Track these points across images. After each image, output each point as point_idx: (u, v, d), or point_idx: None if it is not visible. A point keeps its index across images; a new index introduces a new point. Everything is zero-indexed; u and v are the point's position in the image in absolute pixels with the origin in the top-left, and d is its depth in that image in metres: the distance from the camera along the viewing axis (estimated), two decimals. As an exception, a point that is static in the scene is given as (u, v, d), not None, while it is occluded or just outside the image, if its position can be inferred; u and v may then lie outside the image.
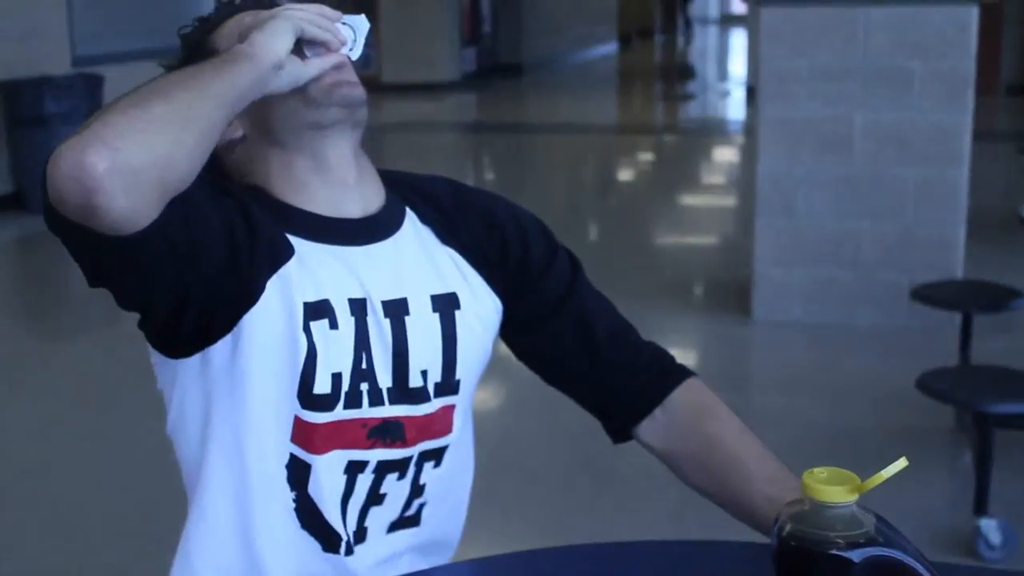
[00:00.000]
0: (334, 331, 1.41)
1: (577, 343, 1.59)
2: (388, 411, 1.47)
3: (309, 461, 1.43)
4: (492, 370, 1.66)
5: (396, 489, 1.50)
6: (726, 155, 12.50)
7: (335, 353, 1.42)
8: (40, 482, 4.15)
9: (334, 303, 1.42)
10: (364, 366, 1.44)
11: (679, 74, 21.92)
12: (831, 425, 4.46)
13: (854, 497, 0.98)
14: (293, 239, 1.42)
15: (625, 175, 11.82)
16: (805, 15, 5.51)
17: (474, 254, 1.56)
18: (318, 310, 1.40)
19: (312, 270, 1.41)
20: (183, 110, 1.24)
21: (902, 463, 0.99)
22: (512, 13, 19.98)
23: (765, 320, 5.76)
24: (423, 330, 1.49)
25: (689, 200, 10.06)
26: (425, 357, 1.50)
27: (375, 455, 1.47)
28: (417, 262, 1.51)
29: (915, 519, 3.56)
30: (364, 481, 1.47)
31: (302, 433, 1.43)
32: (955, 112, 5.45)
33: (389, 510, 1.51)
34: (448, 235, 1.56)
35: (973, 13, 5.36)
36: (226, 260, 1.35)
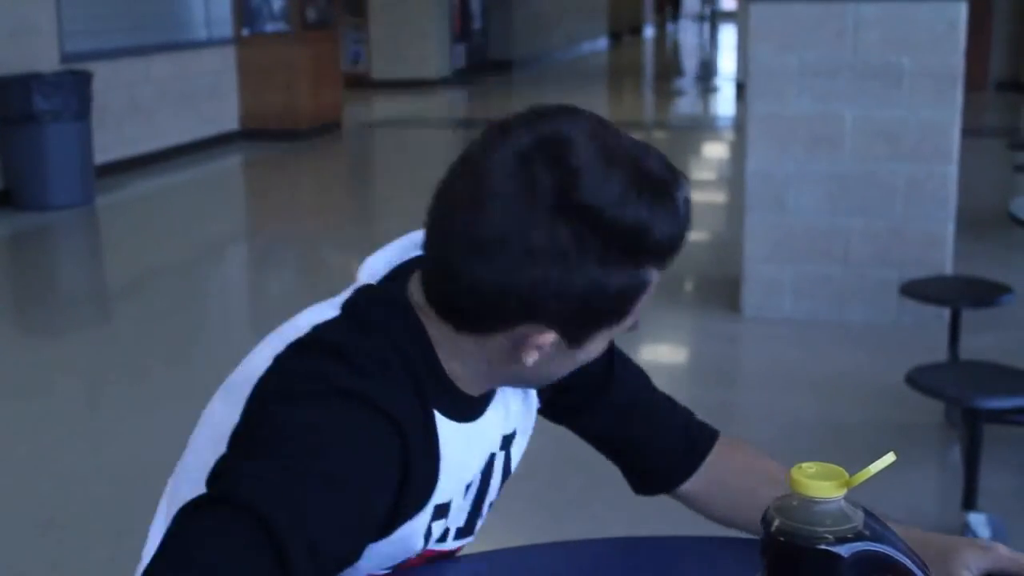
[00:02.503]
0: (444, 520, 1.37)
1: (612, 428, 1.57)
2: (450, 545, 1.45)
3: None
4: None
5: None
6: (716, 151, 12.51)
7: (436, 537, 1.38)
8: (28, 479, 4.14)
9: (454, 498, 1.36)
10: (448, 534, 1.42)
11: (669, 70, 21.92)
12: (820, 420, 4.47)
13: (842, 492, 0.98)
14: (440, 419, 1.30)
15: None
16: (794, 11, 5.52)
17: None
18: (442, 510, 1.35)
19: (449, 469, 1.31)
20: None
21: (890, 458, 1.00)
22: (502, 10, 19.98)
23: (755, 316, 5.77)
24: (496, 474, 1.46)
25: (679, 196, 10.05)
26: (492, 496, 1.48)
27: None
28: (505, 410, 1.44)
29: (904, 514, 3.57)
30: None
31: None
32: (944, 108, 5.46)
33: None
34: None
35: (962, 9, 5.37)
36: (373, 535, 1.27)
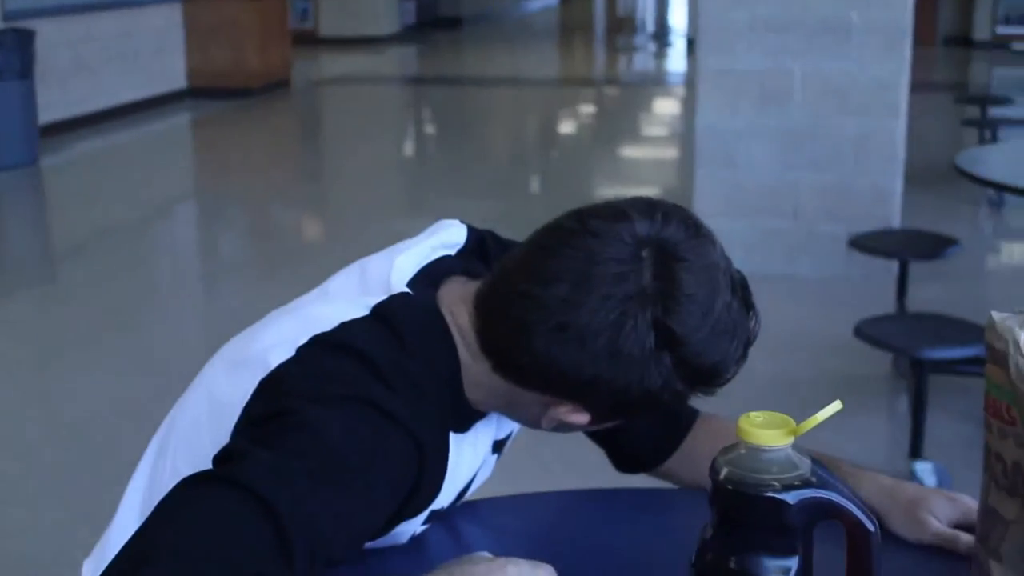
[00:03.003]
0: (434, 523, 1.40)
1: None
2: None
3: None
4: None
5: None
6: (667, 107, 12.52)
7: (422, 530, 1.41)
8: (-21, 443, 4.10)
9: (447, 503, 1.38)
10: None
11: (621, 26, 21.87)
12: (771, 374, 4.51)
13: (789, 440, 0.99)
14: (451, 436, 1.30)
15: (566, 127, 11.80)
16: (744, -34, 5.52)
17: None
18: (435, 514, 1.37)
19: (448, 482, 1.32)
20: None
21: (836, 406, 1.01)
22: (452, -35, 19.83)
23: (706, 271, 5.79)
24: (483, 473, 1.46)
25: (630, 152, 10.08)
26: (475, 485, 1.48)
27: None
28: (499, 416, 1.43)
29: (852, 462, 3.62)
30: None
31: None
32: (893, 63, 5.49)
33: None
34: None
35: (910, -37, 5.39)
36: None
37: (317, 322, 1.26)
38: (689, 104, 10.42)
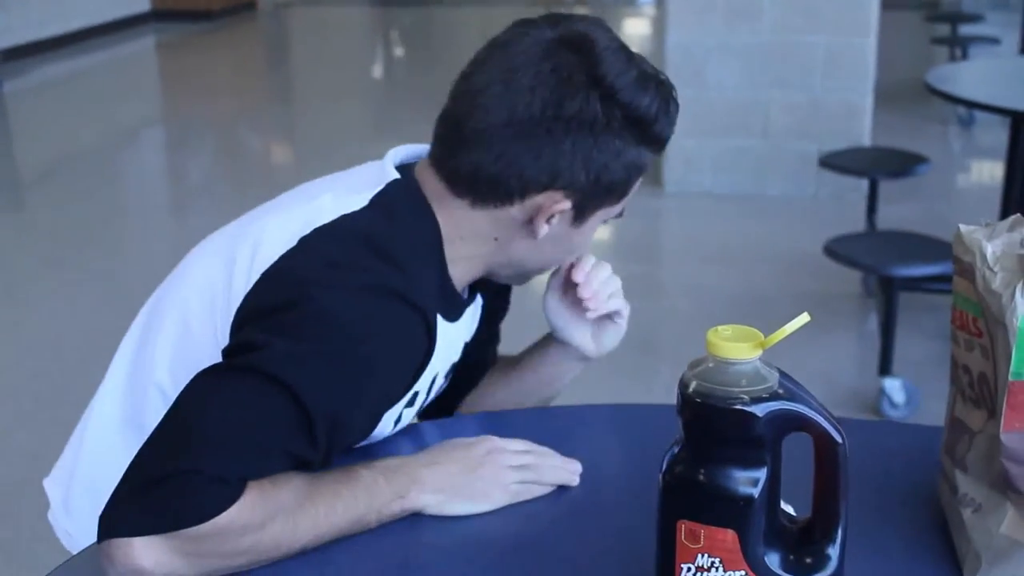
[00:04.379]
0: (411, 409, 1.42)
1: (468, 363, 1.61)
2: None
3: None
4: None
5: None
6: (637, 27, 12.43)
7: (404, 422, 1.44)
8: (-52, 370, 4.09)
9: (422, 390, 1.40)
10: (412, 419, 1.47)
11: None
12: (741, 293, 4.53)
13: (757, 353, 0.99)
14: (438, 318, 1.34)
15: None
16: None
17: (489, 290, 1.53)
18: (412, 399, 1.39)
19: (431, 363, 1.36)
20: (303, 544, 1.21)
21: (804, 318, 1.01)
22: None
23: (676, 191, 5.80)
24: (449, 375, 1.52)
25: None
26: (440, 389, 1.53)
27: None
28: (470, 321, 1.49)
29: (822, 380, 3.65)
30: None
31: None
32: (863, -21, 5.46)
33: None
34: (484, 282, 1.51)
35: None
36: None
37: (317, 214, 1.31)
38: (659, 23, 10.34)
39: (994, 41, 8.00)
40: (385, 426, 1.38)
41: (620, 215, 1.41)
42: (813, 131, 5.64)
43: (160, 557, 1.11)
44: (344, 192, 1.34)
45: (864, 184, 5.00)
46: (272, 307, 1.24)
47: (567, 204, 1.32)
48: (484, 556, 1.23)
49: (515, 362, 1.64)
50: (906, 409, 3.54)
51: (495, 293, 1.55)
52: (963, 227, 1.20)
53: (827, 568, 1.02)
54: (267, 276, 1.27)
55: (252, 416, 1.17)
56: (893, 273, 3.58)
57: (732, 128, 5.74)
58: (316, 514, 1.19)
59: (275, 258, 1.27)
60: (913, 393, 3.57)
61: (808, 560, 1.02)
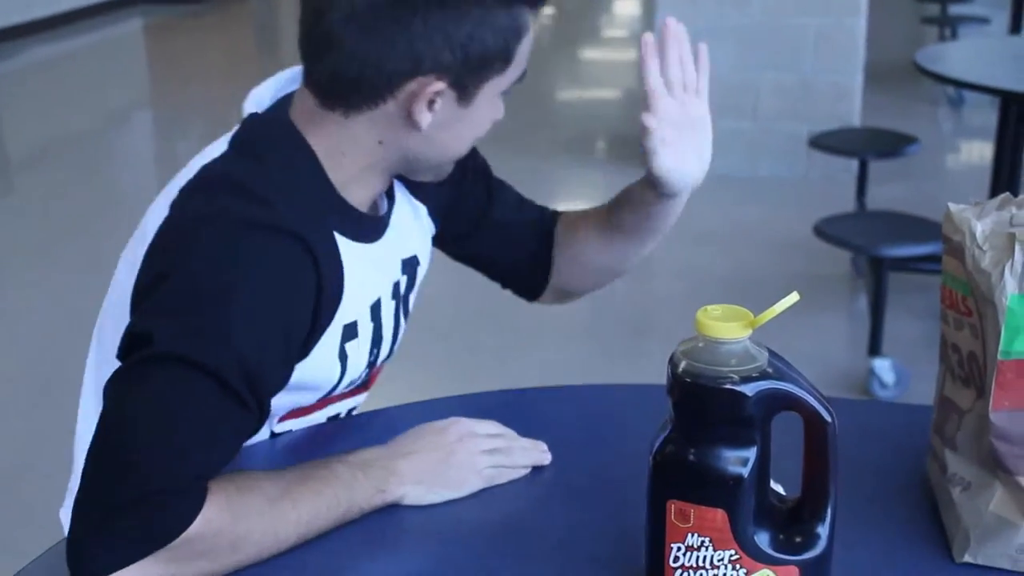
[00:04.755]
0: (356, 341, 1.38)
1: (500, 248, 1.60)
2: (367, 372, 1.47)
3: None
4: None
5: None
6: (627, 8, 12.39)
7: (357, 363, 1.40)
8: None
9: (360, 318, 1.37)
10: (371, 359, 1.43)
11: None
12: (732, 274, 4.54)
13: (747, 333, 0.99)
14: (339, 238, 1.30)
15: (526, 30, 11.66)
16: None
17: (423, 192, 1.50)
18: (350, 330, 1.36)
19: (352, 288, 1.32)
20: (281, 544, 1.19)
21: (794, 297, 1.01)
22: None
23: (667, 172, 5.78)
24: (403, 298, 1.48)
25: (590, 54, 10.00)
26: (400, 320, 1.49)
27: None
28: (400, 234, 1.45)
29: (812, 361, 3.66)
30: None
31: (294, 413, 1.44)
32: (853, -41, 5.45)
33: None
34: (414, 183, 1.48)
35: None
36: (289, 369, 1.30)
37: (185, 175, 1.29)
38: (648, 4, 10.32)
39: (984, 21, 8.00)
40: (328, 365, 1.34)
41: (521, 79, 1.33)
42: (803, 112, 5.64)
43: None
44: (208, 148, 1.31)
45: (854, 165, 5.01)
46: (148, 286, 1.21)
47: (441, 86, 1.24)
48: (476, 538, 1.24)
49: (609, 221, 1.56)
50: (896, 389, 3.55)
51: (438, 186, 1.48)
52: (952, 206, 1.20)
53: (816, 547, 1.03)
54: (147, 255, 1.25)
55: (175, 410, 1.14)
56: (883, 253, 3.58)
57: (723, 110, 5.71)
58: (299, 516, 1.19)
59: (153, 235, 1.25)
60: (903, 373, 3.58)
61: (798, 539, 1.03)
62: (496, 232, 1.59)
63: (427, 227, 1.53)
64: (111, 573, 1.09)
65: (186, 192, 1.26)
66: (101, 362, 1.40)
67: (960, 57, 4.80)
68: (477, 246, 1.61)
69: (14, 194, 6.31)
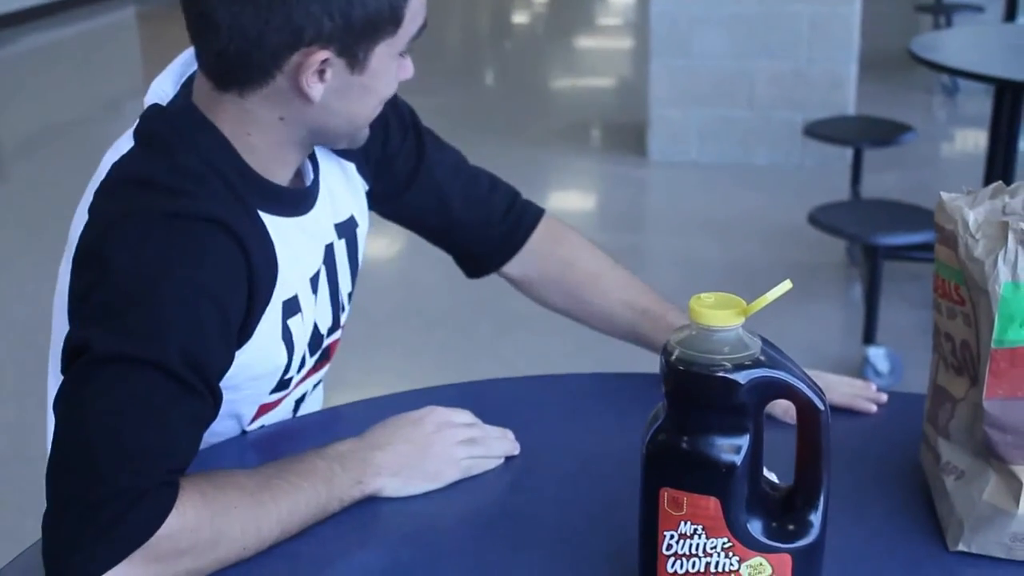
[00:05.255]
0: (299, 316, 1.37)
1: (434, 211, 1.58)
2: (324, 345, 1.47)
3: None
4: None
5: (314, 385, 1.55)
6: (622, -4, 12.38)
7: (301, 338, 1.39)
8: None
9: (300, 292, 1.36)
10: (317, 332, 1.43)
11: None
12: (726, 262, 4.54)
13: (740, 320, 0.99)
14: (265, 217, 1.29)
15: (520, 18, 11.66)
16: None
17: (348, 150, 1.48)
18: (291, 305, 1.35)
19: (287, 263, 1.32)
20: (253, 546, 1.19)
21: (786, 285, 1.00)
22: None
23: (661, 160, 5.79)
24: (342, 264, 1.47)
25: (585, 42, 9.98)
26: (345, 286, 1.49)
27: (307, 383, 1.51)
28: (331, 199, 1.44)
29: (806, 349, 3.66)
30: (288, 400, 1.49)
31: (261, 411, 1.44)
32: (847, -53, 5.45)
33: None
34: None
35: None
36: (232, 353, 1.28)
37: (97, 178, 1.28)
38: (644, -8, 10.31)
39: (978, 9, 7.98)
40: (274, 347, 1.33)
41: (421, 33, 1.31)
42: (798, 100, 5.64)
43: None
44: (116, 142, 1.30)
45: (849, 153, 5.00)
46: (78, 293, 1.20)
47: (327, 55, 1.21)
48: (472, 526, 1.24)
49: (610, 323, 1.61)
50: (890, 377, 3.55)
51: (366, 150, 1.46)
52: (945, 195, 1.20)
53: (809, 535, 1.02)
54: (74, 264, 1.23)
55: (125, 407, 1.12)
56: (877, 242, 3.58)
57: (717, 98, 5.73)
58: (279, 510, 1.18)
59: (78, 241, 1.24)
60: (897, 361, 3.59)
61: (790, 527, 1.03)
62: (428, 193, 1.56)
63: (359, 185, 1.51)
64: (103, 574, 1.08)
65: (99, 195, 1.25)
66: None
67: (955, 45, 4.79)
68: (408, 207, 1.57)
69: (6, 181, 6.29)
